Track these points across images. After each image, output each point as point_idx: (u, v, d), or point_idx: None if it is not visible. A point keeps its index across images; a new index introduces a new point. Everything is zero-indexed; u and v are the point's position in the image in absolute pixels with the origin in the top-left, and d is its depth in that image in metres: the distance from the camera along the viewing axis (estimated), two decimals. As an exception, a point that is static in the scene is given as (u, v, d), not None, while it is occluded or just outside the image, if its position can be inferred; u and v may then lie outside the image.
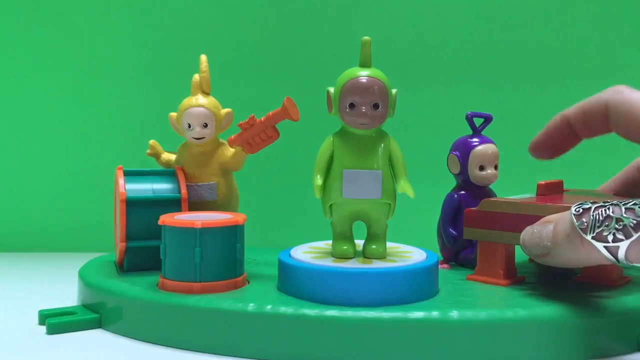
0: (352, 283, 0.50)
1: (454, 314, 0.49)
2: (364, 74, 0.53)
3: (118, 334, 0.56)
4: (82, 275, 0.63)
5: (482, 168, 0.65)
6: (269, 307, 0.50)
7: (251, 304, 0.51)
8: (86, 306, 0.61)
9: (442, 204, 0.67)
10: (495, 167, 0.66)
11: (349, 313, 0.49)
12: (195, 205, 0.65)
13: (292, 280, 0.53)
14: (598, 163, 0.95)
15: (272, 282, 0.58)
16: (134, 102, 0.99)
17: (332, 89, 0.55)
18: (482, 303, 0.52)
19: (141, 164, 0.68)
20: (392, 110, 0.55)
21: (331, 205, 0.55)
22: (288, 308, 0.50)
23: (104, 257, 0.71)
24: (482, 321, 0.48)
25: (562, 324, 0.49)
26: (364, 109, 0.53)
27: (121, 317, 0.56)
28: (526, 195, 0.64)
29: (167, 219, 0.56)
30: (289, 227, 0.97)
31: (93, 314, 0.58)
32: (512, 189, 0.69)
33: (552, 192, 0.62)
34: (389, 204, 0.55)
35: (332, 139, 0.55)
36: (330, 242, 0.59)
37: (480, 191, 0.66)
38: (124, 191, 0.61)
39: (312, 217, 0.85)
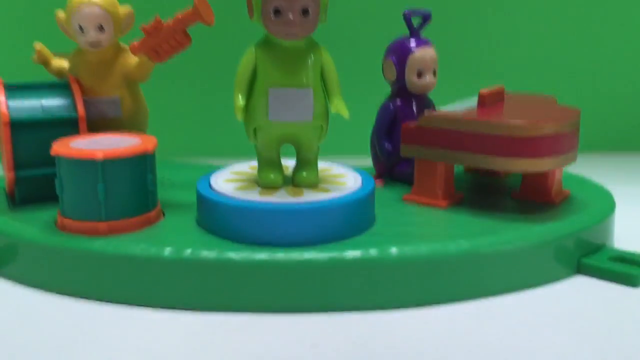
0: (281, 222, 0.45)
1: (393, 250, 0.45)
2: None
3: (13, 279, 0.49)
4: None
5: (420, 75, 0.59)
6: (188, 251, 0.44)
7: (168, 248, 0.45)
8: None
9: (377, 115, 0.61)
10: (434, 73, 0.60)
11: (280, 256, 0.44)
12: (96, 124, 0.55)
13: (215, 218, 0.47)
14: (537, 64, 0.92)
15: (191, 214, 0.52)
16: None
17: None
18: (422, 233, 0.48)
19: (27, 75, 0.57)
20: (324, 14, 0.47)
21: (255, 128, 0.48)
22: (211, 252, 0.44)
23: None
24: (423, 257, 0.45)
25: (504, 254, 0.47)
26: (291, 15, 0.45)
27: (16, 261, 0.49)
28: (467, 101, 0.60)
29: (62, 149, 0.47)
30: (209, 134, 0.89)
31: (-17, 258, 0.51)
32: (451, 94, 0.64)
33: (494, 100, 0.58)
34: (321, 125, 0.49)
35: (254, 50, 0.47)
36: (256, 164, 0.53)
37: (418, 99, 0.60)
38: (6, 111, 0.51)
39: (234, 124, 0.77)
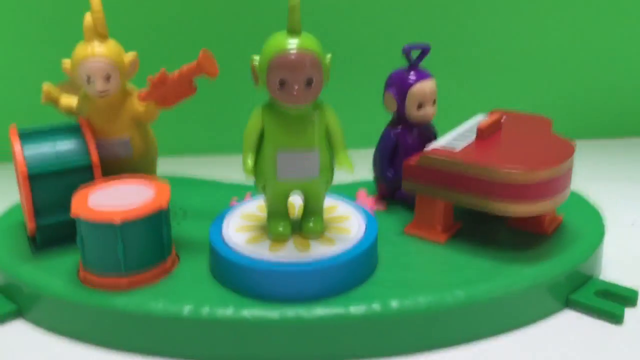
0: (291, 281, 0.48)
1: (394, 304, 0.48)
2: (293, 45, 0.46)
3: (40, 326, 0.53)
4: (-8, 251, 0.57)
5: (420, 106, 0.60)
6: (205, 309, 0.48)
7: (187, 307, 0.48)
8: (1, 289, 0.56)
9: (379, 141, 0.63)
10: (433, 103, 0.61)
11: (290, 314, 0.47)
12: (109, 163, 0.58)
13: (228, 274, 0.50)
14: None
15: (204, 255, 0.55)
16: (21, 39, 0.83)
17: (257, 59, 0.47)
18: (421, 282, 0.51)
19: (38, 114, 0.59)
20: (327, 77, 0.48)
21: (264, 184, 0.51)
22: (226, 310, 0.48)
23: (11, 215, 0.64)
24: (422, 309, 0.48)
25: (498, 301, 0.50)
26: (296, 87, 0.46)
27: (39, 309, 0.53)
28: (466, 128, 0.61)
29: (81, 210, 0.50)
30: (217, 131, 0.91)
31: (11, 305, 0.54)
32: (451, 116, 0.66)
33: (492, 132, 0.59)
34: (327, 178, 0.51)
35: (261, 112, 0.49)
36: (261, 202, 0.56)
37: (418, 127, 0.62)
38: (24, 166, 0.53)
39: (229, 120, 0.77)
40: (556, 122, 0.63)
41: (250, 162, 0.49)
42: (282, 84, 0.46)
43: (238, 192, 0.68)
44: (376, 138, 0.65)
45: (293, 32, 0.46)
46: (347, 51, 0.88)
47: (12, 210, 0.65)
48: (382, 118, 0.64)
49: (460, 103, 0.77)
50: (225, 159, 0.93)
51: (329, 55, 0.48)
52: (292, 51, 0.45)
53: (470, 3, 0.91)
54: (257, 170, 0.50)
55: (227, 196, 0.68)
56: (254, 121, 0.49)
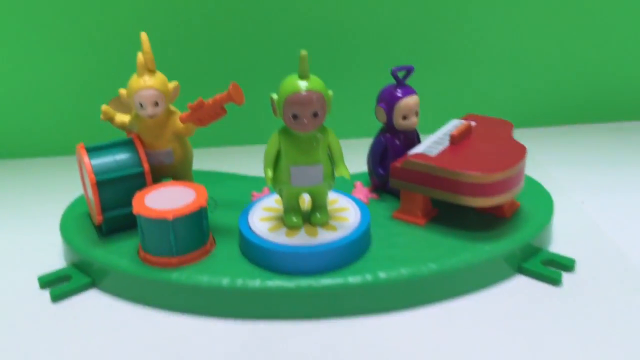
0: (304, 260, 0.63)
1: (382, 275, 0.64)
2: (303, 87, 0.60)
3: (109, 293, 0.68)
4: (67, 238, 0.73)
5: (405, 117, 0.74)
6: (240, 281, 0.63)
7: (225, 279, 0.63)
8: (76, 265, 0.72)
9: (371, 146, 0.78)
10: (416, 114, 0.75)
11: (303, 284, 0.63)
12: (156, 167, 0.73)
13: (255, 254, 0.66)
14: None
15: (234, 240, 0.70)
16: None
17: (275, 96, 0.61)
18: (404, 257, 0.66)
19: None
20: (329, 109, 0.62)
21: (281, 188, 0.65)
22: (255, 281, 0.63)
23: (76, 207, 0.79)
24: (404, 279, 0.64)
25: (463, 271, 0.65)
26: (305, 120, 0.60)
27: (110, 282, 0.68)
28: (441, 134, 0.75)
29: (141, 210, 0.65)
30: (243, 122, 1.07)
31: (86, 278, 0.70)
32: (433, 118, 0.80)
33: (463, 137, 0.73)
34: (329, 183, 0.66)
35: (278, 136, 0.63)
36: (277, 196, 0.71)
37: (404, 133, 0.76)
38: (93, 175, 0.68)
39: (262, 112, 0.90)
40: (520, 111, 0.78)
41: (270, 173, 0.64)
42: (295, 117, 0.61)
43: (257, 185, 0.84)
44: (370, 128, 0.80)
45: (303, 76, 0.60)
46: (346, 56, 1.04)
47: (75, 203, 0.81)
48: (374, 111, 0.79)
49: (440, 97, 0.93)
50: (241, 149, 1.08)
51: (330, 92, 0.62)
52: (302, 92, 0.60)
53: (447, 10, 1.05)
54: (275, 178, 0.65)
55: (248, 188, 0.83)
56: (273, 143, 0.64)
